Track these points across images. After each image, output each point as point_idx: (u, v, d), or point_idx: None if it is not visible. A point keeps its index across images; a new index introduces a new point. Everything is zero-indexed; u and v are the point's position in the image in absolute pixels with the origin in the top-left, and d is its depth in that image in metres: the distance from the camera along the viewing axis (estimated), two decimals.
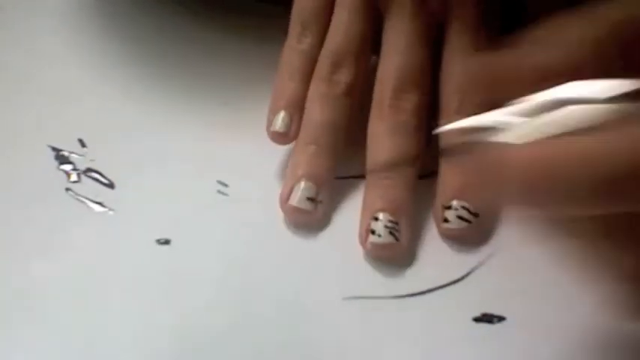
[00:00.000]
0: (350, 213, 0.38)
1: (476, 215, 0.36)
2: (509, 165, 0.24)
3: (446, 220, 0.37)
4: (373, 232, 0.36)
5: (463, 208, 0.36)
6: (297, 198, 0.37)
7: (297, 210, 0.37)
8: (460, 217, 0.36)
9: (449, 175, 0.38)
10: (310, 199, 0.38)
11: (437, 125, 0.28)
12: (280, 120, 0.39)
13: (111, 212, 0.38)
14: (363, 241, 0.36)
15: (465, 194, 0.37)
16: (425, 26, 0.40)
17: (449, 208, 0.37)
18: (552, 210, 0.26)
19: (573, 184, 0.24)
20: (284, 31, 0.41)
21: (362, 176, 0.39)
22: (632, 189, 0.23)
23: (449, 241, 0.37)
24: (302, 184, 0.38)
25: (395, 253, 0.36)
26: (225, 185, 0.40)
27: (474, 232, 0.37)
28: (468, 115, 0.27)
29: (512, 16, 0.40)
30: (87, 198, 0.39)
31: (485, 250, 0.37)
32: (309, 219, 0.38)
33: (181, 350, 0.33)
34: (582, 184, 0.23)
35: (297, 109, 0.40)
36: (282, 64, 0.41)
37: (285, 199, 0.38)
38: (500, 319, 0.34)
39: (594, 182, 0.23)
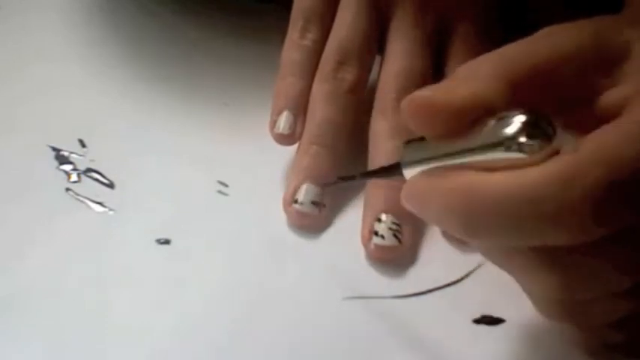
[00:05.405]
0: (351, 213, 0.38)
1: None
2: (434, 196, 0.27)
3: (376, 234, 0.36)
4: (376, 233, 0.36)
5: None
6: (301, 201, 0.37)
7: (300, 213, 0.37)
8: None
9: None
10: (314, 203, 0.38)
11: None
12: (284, 121, 0.39)
13: (111, 212, 0.38)
14: (366, 243, 0.36)
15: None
16: (427, 32, 0.40)
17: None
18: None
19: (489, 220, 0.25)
20: (284, 32, 0.41)
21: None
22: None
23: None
24: (305, 186, 0.38)
25: (397, 255, 0.36)
26: (225, 185, 0.40)
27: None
28: None
29: (512, 25, 0.40)
30: (87, 198, 0.39)
31: None
32: (313, 222, 0.38)
33: (181, 350, 0.33)
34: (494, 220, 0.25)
35: (300, 108, 0.39)
36: (284, 60, 0.41)
37: (288, 202, 0.38)
38: (500, 321, 0.34)
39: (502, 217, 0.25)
